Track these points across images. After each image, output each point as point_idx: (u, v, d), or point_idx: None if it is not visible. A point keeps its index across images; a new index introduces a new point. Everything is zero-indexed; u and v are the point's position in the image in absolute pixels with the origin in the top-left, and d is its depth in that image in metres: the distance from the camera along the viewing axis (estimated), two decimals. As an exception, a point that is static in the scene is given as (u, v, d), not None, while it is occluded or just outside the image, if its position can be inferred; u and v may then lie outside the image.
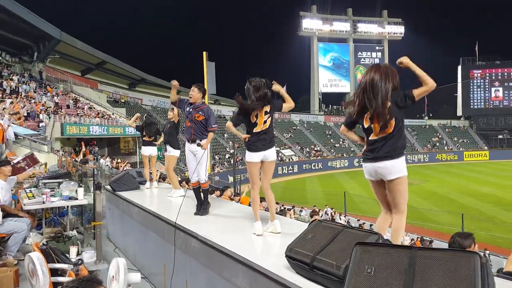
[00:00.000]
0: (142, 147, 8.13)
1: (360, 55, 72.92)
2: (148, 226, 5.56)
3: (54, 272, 3.56)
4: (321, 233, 2.98)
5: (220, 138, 46.27)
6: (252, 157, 4.21)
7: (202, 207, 5.07)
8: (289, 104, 4.38)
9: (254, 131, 4.20)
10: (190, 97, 5.23)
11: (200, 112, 5.17)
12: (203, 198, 5.16)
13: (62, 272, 3.70)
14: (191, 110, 5.20)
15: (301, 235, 3.08)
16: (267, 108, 4.17)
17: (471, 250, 3.60)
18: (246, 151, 4.33)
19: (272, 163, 4.30)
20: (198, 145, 5.12)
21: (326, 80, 71.41)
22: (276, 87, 4.27)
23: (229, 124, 4.37)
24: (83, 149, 14.77)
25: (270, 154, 4.25)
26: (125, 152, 30.57)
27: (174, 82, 5.24)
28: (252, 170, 4.29)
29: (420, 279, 2.07)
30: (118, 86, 44.84)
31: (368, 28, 72.30)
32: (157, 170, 9.04)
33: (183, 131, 7.67)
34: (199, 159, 5.14)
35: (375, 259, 2.30)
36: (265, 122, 4.18)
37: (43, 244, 4.11)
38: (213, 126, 5.24)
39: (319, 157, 52.55)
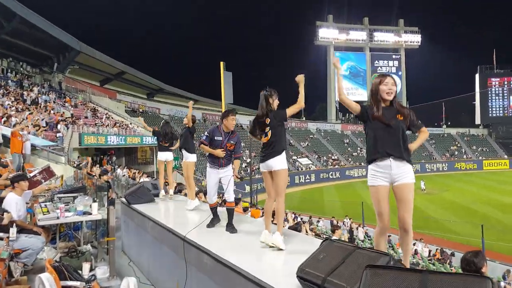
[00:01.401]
0: (159, 152, 8.20)
1: (376, 63, 72.43)
2: (162, 241, 5.56)
3: (66, 289, 3.59)
4: (333, 253, 2.94)
5: (237, 147, 46.23)
6: (260, 167, 4.41)
7: (230, 226, 4.99)
8: (298, 104, 4.25)
9: (262, 142, 4.39)
10: (232, 126, 5.17)
11: (232, 141, 5.17)
12: (229, 218, 5.08)
13: (74, 289, 3.72)
14: (221, 139, 5.13)
15: (313, 254, 3.05)
16: (267, 121, 4.29)
17: (485, 268, 3.53)
18: None
19: (278, 174, 4.23)
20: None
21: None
22: (298, 78, 4.27)
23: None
24: (89, 163, 14.87)
25: (273, 163, 4.23)
26: (142, 161, 30.84)
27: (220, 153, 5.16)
28: (264, 180, 4.43)
29: (431, 304, 2.03)
30: (136, 96, 45.41)
31: (385, 37, 71.88)
32: (173, 181, 9.06)
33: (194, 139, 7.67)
34: (228, 180, 5.24)
35: (386, 283, 2.26)
36: (266, 134, 4.31)
37: (56, 261, 4.14)
38: (240, 152, 5.36)
39: (336, 166, 52.17)
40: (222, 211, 5.52)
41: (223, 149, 5.11)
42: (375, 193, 3.36)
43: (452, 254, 17.42)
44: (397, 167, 3.28)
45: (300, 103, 4.24)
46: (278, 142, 4.28)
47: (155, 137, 8.30)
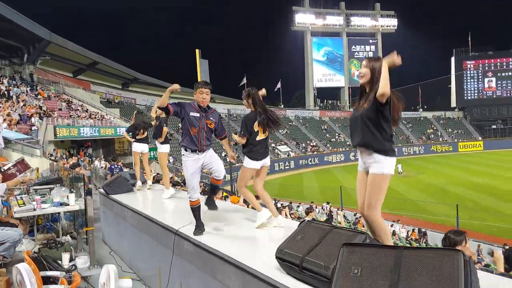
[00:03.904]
0: (134, 144, 7.97)
1: (354, 48, 72.78)
2: (142, 229, 5.56)
3: (46, 280, 3.56)
4: (310, 233, 3.00)
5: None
6: (254, 164, 4.46)
7: (210, 201, 4.72)
8: None
9: (257, 139, 4.42)
10: (203, 101, 4.31)
11: (211, 118, 4.39)
12: (212, 193, 4.76)
13: (54, 280, 3.70)
14: (199, 115, 4.32)
15: (291, 236, 3.11)
16: None
17: (462, 247, 3.64)
18: (246, 157, 4.49)
19: (267, 167, 4.64)
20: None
21: (321, 75, 71.25)
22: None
23: (240, 139, 4.46)
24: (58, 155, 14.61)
25: (268, 160, 4.59)
26: (120, 152, 30.45)
27: (176, 86, 4.22)
28: (248, 175, 4.53)
29: (405, 278, 2.11)
30: (111, 86, 44.58)
31: (361, 22, 72.04)
32: (151, 171, 9.04)
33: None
34: (212, 159, 4.46)
35: (362, 260, 2.32)
36: (264, 131, 4.46)
37: (34, 252, 4.10)
38: (226, 130, 4.70)
39: (315, 152, 52.62)
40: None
41: (203, 129, 4.33)
42: (357, 176, 3.44)
43: (425, 233, 17.94)
44: (364, 155, 3.28)
45: None
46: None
47: (130, 133, 8.13)
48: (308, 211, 9.70)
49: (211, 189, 4.72)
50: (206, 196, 4.88)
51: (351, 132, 3.40)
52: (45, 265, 3.70)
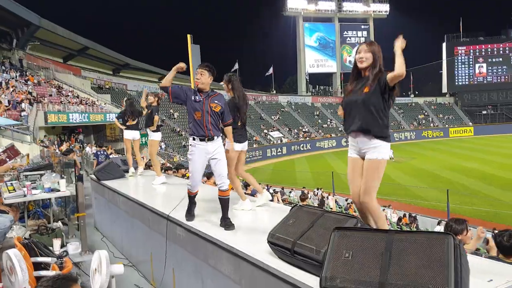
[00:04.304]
0: (125, 131, 7.99)
1: (345, 34, 72.45)
2: (134, 215, 5.55)
3: (37, 266, 3.55)
4: (302, 218, 3.01)
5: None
6: (237, 146, 4.61)
7: (225, 221, 3.89)
8: None
9: (239, 123, 4.63)
10: (196, 82, 4.09)
11: (216, 101, 4.07)
12: (223, 210, 4.00)
13: (45, 266, 3.69)
14: (202, 99, 4.04)
15: (283, 220, 3.11)
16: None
17: (463, 236, 3.70)
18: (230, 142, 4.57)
19: (245, 152, 4.91)
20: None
21: (313, 60, 70.94)
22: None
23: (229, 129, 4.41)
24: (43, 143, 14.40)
25: (246, 144, 4.83)
26: (111, 139, 30.26)
27: (182, 64, 4.03)
28: (234, 158, 4.67)
29: (396, 261, 2.12)
30: (101, 72, 44.04)
31: (353, 7, 71.56)
32: (142, 157, 9.02)
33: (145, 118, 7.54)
34: (219, 161, 4.11)
35: (353, 244, 2.33)
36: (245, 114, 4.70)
37: (25, 238, 4.08)
38: (230, 117, 4.31)
39: (307, 138, 52.72)
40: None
41: (207, 112, 4.02)
42: (348, 162, 3.35)
43: (414, 218, 18.15)
44: (361, 141, 3.19)
45: None
46: None
47: (120, 119, 8.12)
48: (303, 198, 9.74)
49: (220, 205, 4.04)
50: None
51: (346, 118, 3.25)
52: (36, 251, 3.68)
